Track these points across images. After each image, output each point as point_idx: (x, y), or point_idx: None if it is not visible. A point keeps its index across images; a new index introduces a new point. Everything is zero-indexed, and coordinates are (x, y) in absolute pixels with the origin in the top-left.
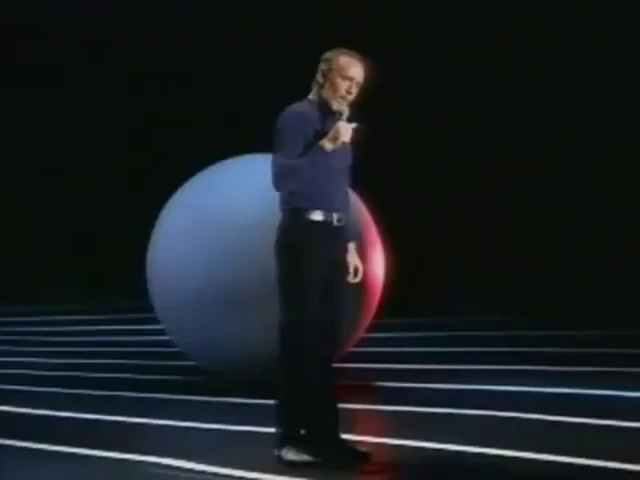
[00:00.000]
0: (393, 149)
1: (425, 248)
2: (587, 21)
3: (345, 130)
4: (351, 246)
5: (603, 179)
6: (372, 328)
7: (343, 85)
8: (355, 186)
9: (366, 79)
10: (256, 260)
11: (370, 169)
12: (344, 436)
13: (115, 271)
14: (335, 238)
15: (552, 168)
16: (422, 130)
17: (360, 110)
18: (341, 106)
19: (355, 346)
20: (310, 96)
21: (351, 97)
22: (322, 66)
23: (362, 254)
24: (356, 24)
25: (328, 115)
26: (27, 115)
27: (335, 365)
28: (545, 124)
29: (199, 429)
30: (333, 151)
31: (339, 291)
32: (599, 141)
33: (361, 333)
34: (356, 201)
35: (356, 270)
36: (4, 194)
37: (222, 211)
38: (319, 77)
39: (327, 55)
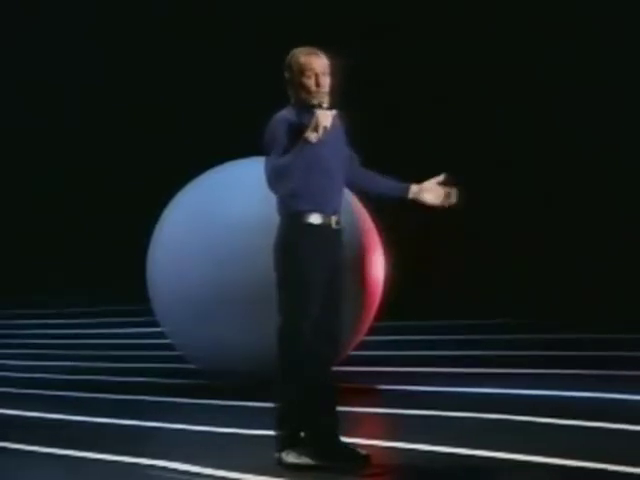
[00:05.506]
0: (393, 150)
1: (425, 250)
2: None
3: (324, 116)
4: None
5: (603, 180)
6: (372, 331)
7: (310, 82)
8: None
9: (332, 66)
10: (257, 262)
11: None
12: (344, 439)
13: (115, 273)
14: (334, 240)
15: (553, 168)
16: (422, 130)
17: (360, 111)
18: (320, 98)
19: (355, 349)
20: (292, 101)
21: (324, 89)
22: (285, 75)
23: (362, 257)
24: (355, 24)
25: (311, 113)
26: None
27: (335, 368)
28: (543, 124)
29: (198, 432)
30: (324, 147)
31: (339, 294)
32: (597, 151)
33: (361, 336)
34: (356, 203)
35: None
36: (5, 194)
37: (223, 213)
38: (288, 86)
39: (286, 62)
